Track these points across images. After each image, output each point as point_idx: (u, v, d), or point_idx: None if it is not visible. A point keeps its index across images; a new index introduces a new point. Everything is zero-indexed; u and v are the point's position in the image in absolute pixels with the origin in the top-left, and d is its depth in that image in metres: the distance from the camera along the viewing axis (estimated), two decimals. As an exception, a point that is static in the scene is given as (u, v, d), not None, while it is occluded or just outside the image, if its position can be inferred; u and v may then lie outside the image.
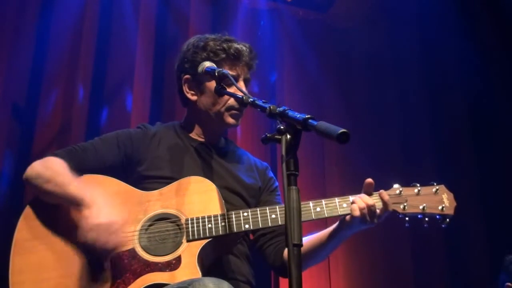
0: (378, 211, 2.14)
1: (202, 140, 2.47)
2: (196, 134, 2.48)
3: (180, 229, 2.13)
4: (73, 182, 2.14)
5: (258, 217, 2.16)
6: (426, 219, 2.19)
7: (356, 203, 2.12)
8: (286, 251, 2.28)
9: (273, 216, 2.16)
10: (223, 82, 2.20)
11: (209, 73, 2.23)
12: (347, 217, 2.16)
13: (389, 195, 2.18)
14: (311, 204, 2.17)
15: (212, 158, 2.43)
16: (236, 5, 4.56)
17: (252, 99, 1.93)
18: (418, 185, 2.24)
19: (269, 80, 4.64)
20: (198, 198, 2.18)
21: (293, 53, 4.72)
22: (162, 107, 4.07)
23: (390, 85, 4.84)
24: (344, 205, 2.17)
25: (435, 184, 2.25)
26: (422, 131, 4.76)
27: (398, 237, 4.29)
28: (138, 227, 2.15)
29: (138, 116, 3.89)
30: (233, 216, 2.15)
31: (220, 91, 2.21)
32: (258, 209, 2.18)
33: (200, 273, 2.02)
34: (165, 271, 2.05)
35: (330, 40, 4.87)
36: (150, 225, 2.15)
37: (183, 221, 2.14)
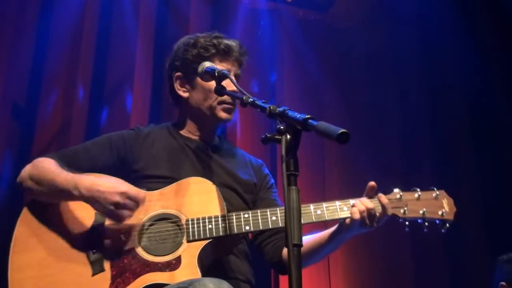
0: (377, 214, 2.14)
1: (196, 138, 2.47)
2: (190, 132, 2.48)
3: (180, 229, 2.13)
4: (62, 172, 2.14)
5: (258, 219, 2.16)
6: (426, 224, 2.19)
7: (356, 206, 2.13)
8: (285, 249, 2.30)
9: (274, 218, 2.16)
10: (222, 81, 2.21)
11: (209, 73, 2.23)
12: (347, 220, 2.16)
13: (389, 199, 2.18)
14: (312, 206, 2.18)
15: (207, 155, 2.43)
16: (236, 5, 4.56)
17: (252, 99, 1.93)
18: (419, 190, 2.24)
19: (269, 80, 4.64)
20: (198, 199, 2.18)
21: (293, 53, 4.72)
22: (162, 107, 4.07)
23: (390, 85, 4.84)
24: (345, 208, 2.17)
25: (435, 189, 2.25)
26: (422, 131, 4.76)
27: (398, 239, 4.29)
28: (138, 227, 2.15)
29: (138, 116, 3.89)
30: (234, 217, 2.15)
31: (220, 91, 2.21)
32: (258, 210, 2.19)
33: (200, 274, 2.02)
34: (165, 271, 2.05)
35: (330, 40, 4.87)
36: (150, 225, 2.15)
37: (183, 221, 2.14)
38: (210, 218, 2.13)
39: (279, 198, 2.54)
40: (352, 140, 1.50)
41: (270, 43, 4.66)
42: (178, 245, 2.10)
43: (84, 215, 2.18)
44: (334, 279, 4.19)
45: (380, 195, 2.18)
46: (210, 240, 2.11)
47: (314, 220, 2.16)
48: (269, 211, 2.18)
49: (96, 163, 2.31)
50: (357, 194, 2.21)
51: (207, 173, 2.34)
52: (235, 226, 2.13)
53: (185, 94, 2.45)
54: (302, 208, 1.71)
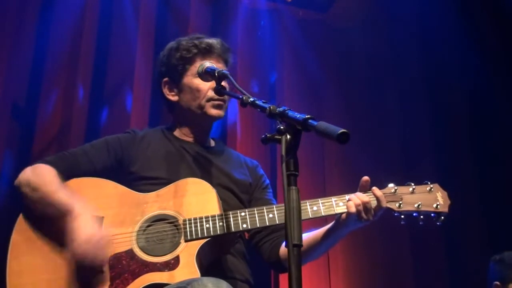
0: (373, 207, 2.16)
1: (191, 140, 2.49)
2: (184, 135, 2.50)
3: (178, 229, 2.13)
4: (59, 190, 2.13)
5: (255, 217, 2.17)
6: (421, 217, 2.23)
7: (352, 200, 2.15)
8: (282, 248, 2.32)
9: (271, 215, 2.17)
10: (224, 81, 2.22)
11: (209, 73, 2.25)
12: (343, 215, 2.19)
13: (384, 193, 2.21)
14: (308, 203, 2.19)
15: (202, 156, 2.44)
16: (236, 5, 4.56)
17: (252, 99, 1.93)
18: (413, 184, 2.27)
19: (269, 80, 4.64)
20: (196, 200, 2.19)
21: (293, 53, 4.72)
22: (162, 107, 4.06)
23: (390, 85, 4.84)
24: (341, 203, 2.19)
25: (429, 183, 2.28)
26: (422, 131, 4.76)
27: (397, 238, 4.30)
28: (136, 228, 2.15)
29: (138, 116, 3.89)
30: (231, 216, 2.16)
31: (220, 91, 2.23)
32: (255, 208, 2.20)
33: (199, 273, 2.02)
34: (164, 271, 2.05)
35: (330, 40, 4.87)
36: (148, 226, 2.15)
37: (181, 221, 2.14)
38: (207, 217, 2.14)
39: (274, 198, 2.56)
40: (352, 140, 1.50)
41: (270, 43, 4.66)
42: (176, 245, 2.11)
43: None
44: (334, 279, 4.19)
45: (374, 188, 2.20)
46: (208, 239, 2.11)
47: (310, 216, 2.18)
48: (266, 208, 2.19)
49: (95, 165, 2.32)
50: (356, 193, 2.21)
51: (204, 174, 2.35)
52: (232, 225, 2.14)
53: (175, 98, 2.48)
54: (300, 206, 1.71)
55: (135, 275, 2.05)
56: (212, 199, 2.19)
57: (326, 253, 3.98)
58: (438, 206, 2.21)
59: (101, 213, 2.17)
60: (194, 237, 2.10)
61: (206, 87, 2.39)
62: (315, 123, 1.57)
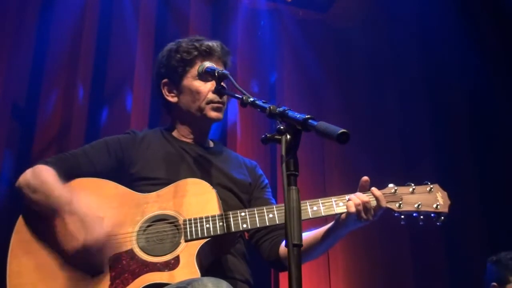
0: (372, 208, 2.16)
1: (190, 141, 2.49)
2: (183, 136, 2.50)
3: (178, 229, 2.13)
4: (58, 189, 2.13)
5: (255, 217, 2.17)
6: (421, 217, 2.23)
7: (352, 200, 2.15)
8: (282, 246, 2.32)
9: (271, 215, 2.17)
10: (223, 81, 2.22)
11: (209, 73, 2.27)
12: (343, 215, 2.18)
13: (384, 193, 2.21)
14: (308, 203, 2.19)
15: (201, 156, 2.45)
16: (236, 5, 4.56)
17: (252, 99, 1.93)
18: (413, 184, 2.27)
19: (269, 80, 4.64)
20: (196, 200, 2.19)
21: (293, 53, 4.72)
22: (162, 107, 4.07)
23: (390, 85, 4.84)
24: (341, 203, 2.19)
25: (429, 183, 2.28)
26: (422, 131, 4.76)
27: (397, 238, 4.30)
28: (136, 228, 2.15)
29: (138, 116, 3.90)
30: (231, 216, 2.16)
31: (220, 91, 2.23)
32: (255, 209, 2.20)
33: (199, 273, 2.02)
34: (164, 271, 2.06)
35: (330, 40, 4.87)
36: (148, 226, 2.15)
37: (181, 222, 2.14)
38: (207, 217, 2.14)
39: (274, 198, 2.57)
40: (352, 140, 1.50)
41: (270, 43, 4.66)
42: (176, 245, 2.11)
43: None
44: (334, 279, 4.19)
45: (373, 188, 2.20)
46: (208, 239, 2.11)
47: (310, 216, 2.18)
48: (266, 208, 2.19)
49: (95, 166, 2.32)
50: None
51: (203, 174, 2.35)
52: (232, 225, 2.14)
53: (174, 99, 2.48)
54: (300, 206, 1.71)
55: (135, 275, 2.05)
56: (212, 199, 2.19)
57: (326, 253, 3.98)
58: (438, 206, 2.21)
59: (101, 213, 2.17)
60: (194, 237, 2.10)
61: (206, 89, 2.39)
62: (315, 123, 1.57)
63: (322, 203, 2.19)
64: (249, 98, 1.95)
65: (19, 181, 2.23)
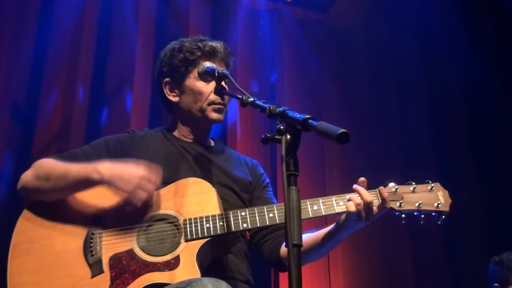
0: (375, 207, 2.15)
1: (190, 140, 2.49)
2: (183, 135, 2.50)
3: (178, 229, 2.13)
4: (72, 165, 2.16)
5: (256, 216, 2.17)
6: (422, 216, 2.22)
7: (352, 200, 2.14)
8: (283, 247, 2.31)
9: (271, 215, 2.17)
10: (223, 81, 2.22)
11: (209, 73, 2.26)
12: (343, 216, 2.17)
13: None
14: (308, 202, 2.19)
15: (202, 156, 2.45)
16: (236, 5, 4.56)
17: (252, 99, 1.93)
18: (414, 183, 2.26)
19: (269, 80, 4.64)
20: (196, 199, 2.19)
21: (293, 53, 4.72)
22: (162, 107, 4.07)
23: (390, 85, 4.84)
24: (341, 203, 2.18)
25: (430, 182, 2.27)
26: (422, 131, 4.76)
27: (397, 238, 4.30)
28: (137, 228, 2.15)
29: (138, 116, 3.89)
30: (231, 215, 2.16)
31: (220, 91, 2.23)
32: (255, 208, 2.20)
33: (199, 272, 2.02)
34: (164, 271, 2.05)
35: (330, 40, 4.87)
36: (148, 226, 2.15)
37: (181, 221, 2.14)
38: (207, 217, 2.14)
39: (275, 197, 2.56)
40: (352, 140, 1.50)
41: (270, 43, 4.66)
42: (176, 245, 2.11)
43: (81, 218, 2.18)
44: (334, 279, 4.19)
45: (381, 187, 2.19)
46: (208, 239, 2.11)
47: (311, 215, 2.17)
48: (266, 208, 2.19)
49: None
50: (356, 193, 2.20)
51: (204, 173, 2.35)
52: (232, 224, 2.14)
53: (175, 99, 2.48)
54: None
55: (136, 275, 2.05)
56: (212, 198, 2.19)
57: (326, 255, 3.98)
58: (439, 205, 2.21)
59: (102, 213, 2.17)
60: (194, 237, 2.10)
61: (208, 90, 2.39)
62: (315, 123, 1.57)
63: (322, 202, 2.19)
64: (249, 98, 1.95)
65: (21, 182, 2.23)
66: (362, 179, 2.20)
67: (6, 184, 3.46)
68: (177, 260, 2.07)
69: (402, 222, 2.21)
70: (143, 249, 2.11)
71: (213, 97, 2.38)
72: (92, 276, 2.07)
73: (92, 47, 3.98)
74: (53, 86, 3.84)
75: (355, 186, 2.17)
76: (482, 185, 4.55)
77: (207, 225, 2.12)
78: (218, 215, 2.15)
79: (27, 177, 2.23)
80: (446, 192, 2.26)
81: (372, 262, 4.34)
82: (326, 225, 2.32)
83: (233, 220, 2.15)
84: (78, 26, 3.96)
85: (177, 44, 2.50)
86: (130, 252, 2.10)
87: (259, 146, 4.00)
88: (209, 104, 2.41)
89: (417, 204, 2.20)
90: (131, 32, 4.09)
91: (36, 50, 3.82)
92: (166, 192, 2.22)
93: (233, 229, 2.14)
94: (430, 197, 2.23)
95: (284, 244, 2.31)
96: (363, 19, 4.85)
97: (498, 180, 4.49)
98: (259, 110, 1.86)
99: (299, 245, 1.51)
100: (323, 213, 2.18)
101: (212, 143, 2.59)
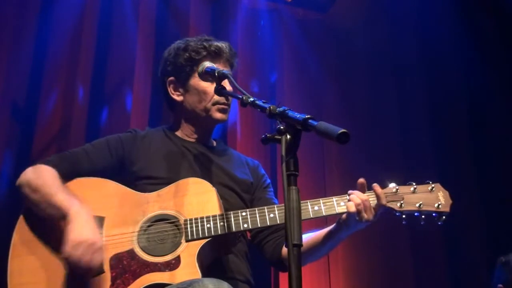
0: (373, 206, 2.16)
1: (193, 140, 2.49)
2: (186, 135, 2.50)
3: (179, 229, 2.14)
4: (59, 192, 2.13)
5: (256, 217, 2.17)
6: (423, 216, 2.23)
7: (352, 200, 2.15)
8: (284, 248, 2.31)
9: (271, 215, 2.18)
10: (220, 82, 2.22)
11: (209, 73, 2.26)
12: (343, 216, 2.18)
13: (385, 193, 2.21)
14: (309, 203, 2.19)
15: (204, 156, 2.45)
16: (236, 5, 4.56)
17: (252, 99, 1.93)
18: (414, 183, 2.27)
19: (269, 80, 4.64)
20: (196, 199, 2.19)
21: (293, 53, 4.72)
22: (162, 107, 4.06)
23: (390, 85, 4.84)
24: (342, 203, 2.19)
25: (430, 182, 2.28)
26: (422, 131, 4.76)
27: (397, 238, 4.29)
28: (137, 228, 2.15)
29: (138, 116, 3.89)
30: (232, 216, 2.16)
31: (220, 91, 2.23)
32: (256, 208, 2.20)
33: (199, 273, 2.02)
34: (165, 271, 2.06)
35: (330, 40, 4.87)
36: (149, 226, 2.15)
37: (181, 221, 2.14)
38: (208, 217, 2.14)
39: (276, 197, 2.56)
40: (352, 140, 1.50)
41: (270, 43, 4.65)
42: (177, 245, 2.11)
43: None
44: (334, 279, 4.19)
45: (375, 184, 2.20)
46: (209, 239, 2.11)
47: (312, 216, 2.18)
48: (267, 208, 2.19)
49: (96, 165, 2.32)
50: (356, 193, 2.20)
51: (205, 173, 2.35)
52: (233, 225, 2.14)
53: (179, 98, 2.48)
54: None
55: (136, 275, 2.05)
56: (212, 198, 2.19)
57: (326, 254, 3.98)
58: (440, 206, 2.21)
59: (102, 213, 2.17)
60: (195, 237, 2.11)
61: (213, 90, 2.38)
62: (315, 123, 1.58)
63: (323, 202, 2.20)
64: (249, 98, 1.95)
65: (19, 180, 2.24)
66: (361, 180, 2.20)
67: (6, 184, 3.46)
68: (177, 260, 2.07)
69: (403, 222, 2.22)
70: (143, 249, 2.11)
71: (217, 97, 2.38)
72: (93, 276, 2.07)
73: (92, 47, 3.98)
74: (53, 86, 3.84)
75: (350, 192, 2.19)
76: (482, 185, 4.55)
77: (208, 225, 2.12)
78: (219, 215, 2.15)
79: (25, 178, 2.22)
80: (447, 192, 2.27)
81: (372, 262, 4.34)
82: (327, 225, 2.32)
83: (234, 220, 2.15)
84: (78, 26, 3.96)
85: (182, 43, 2.49)
86: (131, 252, 2.10)
87: (259, 146, 3.99)
88: (214, 104, 2.42)
89: (417, 205, 2.21)
90: (131, 32, 4.08)
91: (36, 50, 3.82)
92: (167, 192, 2.22)
93: (233, 229, 2.14)
94: (431, 197, 2.24)
95: (285, 244, 2.32)
96: (363, 19, 4.84)
97: (498, 180, 4.49)
98: (259, 110, 1.86)
99: (299, 245, 1.51)
100: (324, 214, 2.20)
101: (214, 143, 2.59)
